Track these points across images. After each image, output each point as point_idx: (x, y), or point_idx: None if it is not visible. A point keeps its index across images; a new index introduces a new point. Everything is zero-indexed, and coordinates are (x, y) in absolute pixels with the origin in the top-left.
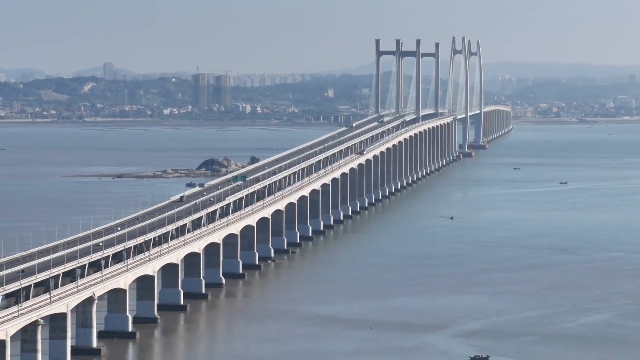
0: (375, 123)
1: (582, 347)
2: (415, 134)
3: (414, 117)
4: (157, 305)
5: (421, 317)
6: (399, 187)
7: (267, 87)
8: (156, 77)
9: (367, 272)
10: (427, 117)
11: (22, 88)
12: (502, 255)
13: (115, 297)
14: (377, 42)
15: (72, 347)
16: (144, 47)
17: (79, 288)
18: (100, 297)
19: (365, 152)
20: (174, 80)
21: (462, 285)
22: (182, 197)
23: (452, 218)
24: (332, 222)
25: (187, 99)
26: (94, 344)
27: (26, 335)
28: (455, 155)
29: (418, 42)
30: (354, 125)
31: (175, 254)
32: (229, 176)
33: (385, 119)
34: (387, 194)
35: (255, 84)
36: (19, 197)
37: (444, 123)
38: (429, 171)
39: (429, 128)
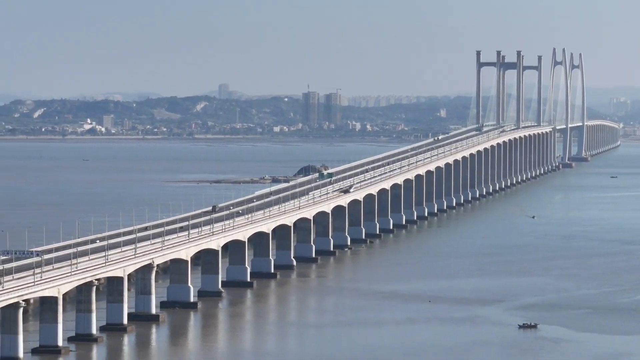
0: (473, 132)
1: (632, 318)
2: (510, 139)
3: (514, 127)
4: (224, 282)
5: (480, 293)
6: (490, 190)
7: (381, 107)
8: (269, 97)
9: (438, 259)
10: (527, 128)
11: (135, 107)
12: (573, 245)
13: (177, 267)
14: (478, 53)
15: (131, 313)
16: (259, 70)
17: (137, 254)
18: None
19: (352, 190)
20: (286, 99)
21: (527, 270)
22: (214, 207)
23: (533, 217)
24: (415, 218)
25: (299, 117)
26: (153, 310)
27: (81, 295)
28: (554, 165)
29: (519, 53)
30: (439, 137)
31: (242, 232)
32: (316, 175)
33: (485, 129)
34: (478, 195)
35: (369, 104)
36: (113, 198)
37: (542, 132)
38: (525, 178)
39: (526, 135)
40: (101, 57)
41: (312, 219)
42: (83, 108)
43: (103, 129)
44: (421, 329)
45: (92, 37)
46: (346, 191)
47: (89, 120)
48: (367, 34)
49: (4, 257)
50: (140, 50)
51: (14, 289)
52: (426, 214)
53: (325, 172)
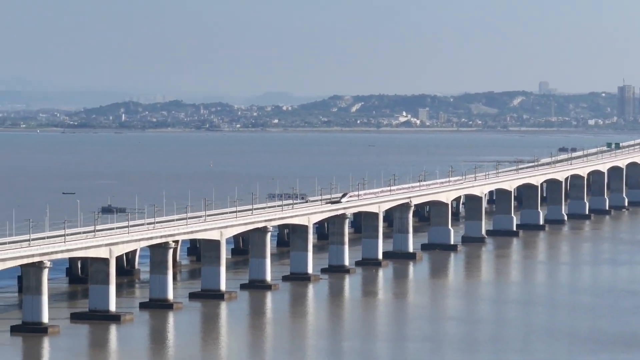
0: None
1: None
2: None
3: None
4: (489, 231)
5: None
6: None
7: None
8: (587, 93)
9: None
10: None
11: (452, 102)
12: None
13: (438, 211)
14: None
15: (389, 251)
16: (578, 68)
17: (392, 192)
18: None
19: (343, 201)
20: (603, 95)
21: None
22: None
23: None
24: None
25: (615, 112)
26: (410, 248)
27: (334, 228)
28: None
29: None
30: None
31: (507, 182)
32: (603, 147)
33: None
34: None
35: None
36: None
37: None
38: None
39: None
40: (423, 56)
41: (585, 176)
42: (400, 103)
43: (417, 122)
44: None
45: (415, 38)
46: (336, 202)
47: (404, 113)
48: None
49: (271, 203)
50: (458, 51)
51: (262, 213)
52: None
53: (613, 143)
